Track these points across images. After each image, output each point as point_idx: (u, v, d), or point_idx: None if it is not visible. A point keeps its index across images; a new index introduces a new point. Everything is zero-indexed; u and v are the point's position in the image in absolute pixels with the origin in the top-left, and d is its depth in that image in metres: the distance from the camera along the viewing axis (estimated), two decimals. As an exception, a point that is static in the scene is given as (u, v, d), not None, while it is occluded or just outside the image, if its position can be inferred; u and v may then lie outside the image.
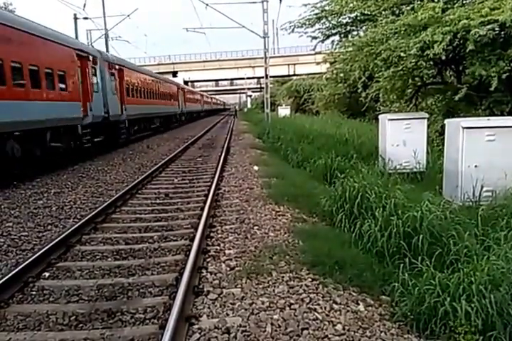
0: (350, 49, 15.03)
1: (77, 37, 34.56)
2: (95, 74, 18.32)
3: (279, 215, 7.81)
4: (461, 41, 11.32)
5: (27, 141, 12.54)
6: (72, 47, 16.04)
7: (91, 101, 17.03)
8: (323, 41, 18.97)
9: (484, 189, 7.84)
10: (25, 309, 4.61)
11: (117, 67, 22.02)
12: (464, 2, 12.37)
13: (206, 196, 9.14)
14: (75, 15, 35.55)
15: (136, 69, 27.44)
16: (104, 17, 36.20)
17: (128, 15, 36.15)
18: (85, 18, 35.69)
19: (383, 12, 14.45)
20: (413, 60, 12.28)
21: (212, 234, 6.85)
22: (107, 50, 35.03)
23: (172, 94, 38.92)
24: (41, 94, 13.33)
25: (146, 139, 26.35)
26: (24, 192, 10.76)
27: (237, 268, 5.41)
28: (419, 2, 12.47)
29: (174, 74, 76.82)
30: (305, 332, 4.02)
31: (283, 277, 5.13)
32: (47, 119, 13.27)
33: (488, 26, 10.37)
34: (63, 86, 14.91)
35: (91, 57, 17.71)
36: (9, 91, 11.52)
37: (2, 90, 11.23)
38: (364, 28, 16.72)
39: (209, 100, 79.86)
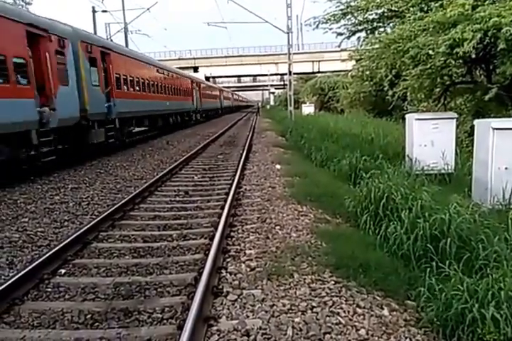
0: (377, 46, 14.78)
1: (95, 30, 34.85)
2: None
3: (302, 215, 7.67)
4: (492, 39, 11.02)
5: None
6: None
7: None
8: (348, 38, 18.80)
9: (515, 192, 7.60)
10: (40, 306, 4.58)
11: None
12: (495, -1, 12.05)
13: (227, 194, 9.05)
14: (93, 8, 36.00)
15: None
16: (124, 10, 36.49)
17: (148, 9, 36.31)
18: (104, 11, 36.02)
19: (411, 8, 14.19)
20: (442, 58, 12.00)
21: (232, 234, 6.77)
22: (126, 44, 35.07)
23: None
24: None
25: (166, 135, 26.32)
26: (41, 187, 10.81)
27: (257, 269, 5.30)
28: (448, -2, 12.18)
29: (195, 69, 77.12)
30: (327, 336, 3.90)
31: (305, 279, 5.01)
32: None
33: (521, 24, 10.07)
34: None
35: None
36: None
37: None
38: (391, 24, 16.50)
39: (229, 96, 76.55)
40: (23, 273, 5.05)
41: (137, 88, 22.12)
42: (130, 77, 20.85)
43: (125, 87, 20.08)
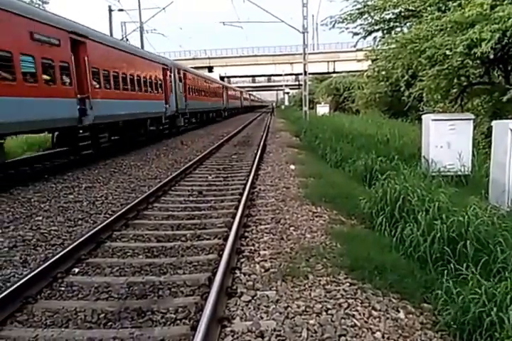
0: (393, 46, 14.70)
1: (111, 29, 35.12)
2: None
3: (316, 216, 7.62)
4: (511, 40, 10.89)
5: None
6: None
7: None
8: (364, 37, 18.76)
9: (533, 194, 7.48)
10: (53, 305, 4.57)
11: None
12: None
13: (241, 194, 9.02)
14: (109, 7, 36.11)
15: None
16: (140, 9, 36.62)
17: (163, 8, 36.54)
18: (120, 10, 36.22)
19: (428, 8, 14.08)
20: (459, 59, 11.89)
21: (246, 234, 6.74)
22: (142, 44, 35.30)
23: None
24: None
25: (180, 135, 26.42)
26: (55, 185, 10.86)
27: (271, 270, 5.26)
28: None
29: (210, 69, 77.28)
30: (342, 338, 3.86)
31: (320, 281, 4.96)
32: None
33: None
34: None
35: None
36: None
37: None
38: (408, 24, 16.40)
39: (247, 97, 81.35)
40: (36, 271, 5.04)
41: (200, 94, 35.22)
42: (197, 87, 34.06)
43: (194, 94, 32.61)
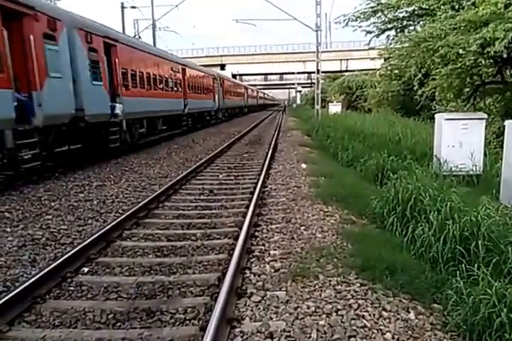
0: (407, 44, 14.64)
1: (124, 26, 35.21)
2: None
3: (327, 216, 7.60)
4: (525, 39, 10.78)
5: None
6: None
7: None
8: (378, 36, 18.67)
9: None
10: (62, 305, 4.56)
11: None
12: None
13: (252, 193, 9.01)
14: (122, 4, 36.24)
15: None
16: (152, 6, 36.76)
17: (176, 6, 36.63)
18: (133, 7, 36.36)
19: (442, 6, 13.99)
20: (472, 58, 11.80)
21: (256, 234, 6.73)
22: (154, 42, 35.46)
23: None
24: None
25: (191, 134, 26.43)
26: (65, 184, 10.86)
27: (282, 270, 5.25)
28: (480, -4, 11.96)
29: (222, 67, 77.45)
30: (352, 339, 3.84)
31: (330, 281, 4.94)
32: None
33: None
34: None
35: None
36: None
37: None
38: (421, 23, 16.28)
39: (254, 94, 75.14)
40: (45, 271, 5.03)
41: (230, 94, 46.51)
42: (229, 90, 44.93)
43: (227, 95, 43.62)
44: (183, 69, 26.23)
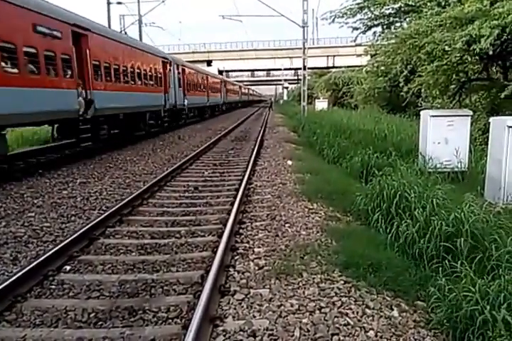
0: (393, 41, 14.71)
1: (109, 22, 34.82)
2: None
3: (312, 213, 7.58)
4: (510, 36, 10.87)
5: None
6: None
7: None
8: (364, 32, 18.80)
9: (529, 191, 7.46)
10: (43, 304, 4.50)
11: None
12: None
13: (237, 190, 8.97)
14: (108, -1, 35.74)
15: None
16: (138, 2, 36.46)
17: (163, 1, 36.15)
18: (119, 3, 35.94)
19: (428, 3, 14.08)
20: (458, 55, 11.89)
21: (241, 231, 6.69)
22: (140, 38, 35.12)
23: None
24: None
25: (178, 130, 26.26)
26: (49, 181, 10.74)
27: (266, 268, 5.22)
28: (466, -7, 12.00)
29: (209, 63, 77.08)
30: (335, 337, 3.82)
31: (314, 278, 4.93)
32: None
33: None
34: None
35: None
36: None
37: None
38: (408, 19, 16.38)
39: (246, 91, 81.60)
40: (26, 269, 4.97)
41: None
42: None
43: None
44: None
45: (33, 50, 11.47)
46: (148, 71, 21.27)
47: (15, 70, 10.84)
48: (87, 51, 14.35)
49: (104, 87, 15.75)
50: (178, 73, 27.94)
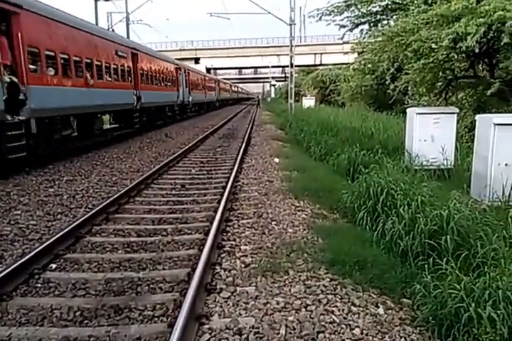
0: (380, 39, 14.72)
1: (97, 19, 34.57)
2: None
3: (299, 210, 7.58)
4: (496, 33, 10.92)
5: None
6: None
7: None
8: (351, 30, 18.83)
9: (515, 189, 7.50)
10: (29, 302, 4.46)
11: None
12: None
13: (224, 188, 8.93)
14: (95, -3, 35.46)
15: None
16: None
17: (150, -2, 36.14)
18: (106, 0, 35.66)
19: (415, 1, 14.11)
20: (444, 52, 11.92)
21: (228, 229, 6.67)
22: (128, 35, 34.91)
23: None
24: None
25: (165, 127, 26.17)
26: (35, 179, 10.64)
27: (252, 266, 5.21)
28: (453, -9, 12.04)
29: (196, 60, 76.83)
30: (321, 335, 3.82)
31: (300, 276, 4.93)
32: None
33: (526, 18, 9.95)
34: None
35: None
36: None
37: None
38: (395, 17, 16.43)
39: (235, 89, 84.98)
40: (12, 267, 4.92)
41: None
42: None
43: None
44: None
45: (115, 66, 18.55)
46: (168, 75, 28.81)
47: (112, 79, 18.08)
48: (137, 65, 21.59)
49: (145, 88, 22.51)
50: (185, 76, 34.16)
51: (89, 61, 15.70)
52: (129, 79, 20.50)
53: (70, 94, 13.94)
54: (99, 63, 16.63)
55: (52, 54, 13.07)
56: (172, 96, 29.32)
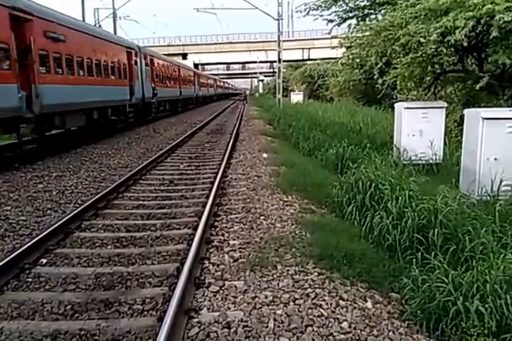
0: (368, 33, 14.61)
1: (84, 15, 34.26)
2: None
3: (287, 205, 7.59)
4: (485, 27, 10.86)
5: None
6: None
7: None
8: (339, 25, 18.73)
9: (503, 183, 7.53)
10: (20, 297, 4.50)
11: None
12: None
13: (212, 183, 8.97)
14: (82, -8, 35.08)
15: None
16: (113, -5, 35.93)
17: (138, -6, 35.76)
18: (93, -4, 35.39)
19: (403, -5, 14.00)
20: (433, 46, 11.84)
21: (216, 224, 6.68)
22: (115, 30, 34.58)
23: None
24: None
25: (153, 123, 26.08)
26: (24, 175, 10.65)
27: (240, 260, 5.23)
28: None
29: (184, 56, 76.50)
30: (309, 329, 3.84)
31: (288, 270, 4.94)
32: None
33: (515, 12, 9.92)
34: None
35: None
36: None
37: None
38: (382, 11, 16.32)
39: (221, 85, 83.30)
40: (3, 262, 4.97)
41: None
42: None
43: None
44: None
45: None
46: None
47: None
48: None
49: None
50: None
51: None
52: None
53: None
54: None
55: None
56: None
